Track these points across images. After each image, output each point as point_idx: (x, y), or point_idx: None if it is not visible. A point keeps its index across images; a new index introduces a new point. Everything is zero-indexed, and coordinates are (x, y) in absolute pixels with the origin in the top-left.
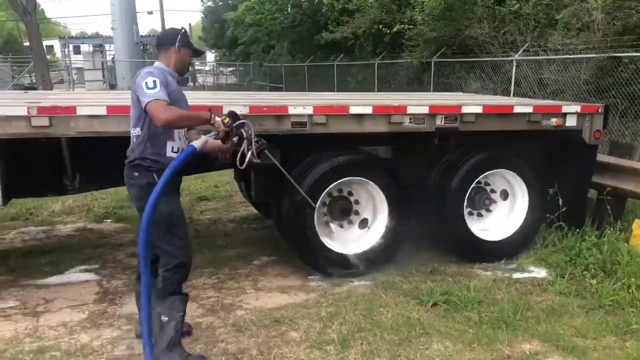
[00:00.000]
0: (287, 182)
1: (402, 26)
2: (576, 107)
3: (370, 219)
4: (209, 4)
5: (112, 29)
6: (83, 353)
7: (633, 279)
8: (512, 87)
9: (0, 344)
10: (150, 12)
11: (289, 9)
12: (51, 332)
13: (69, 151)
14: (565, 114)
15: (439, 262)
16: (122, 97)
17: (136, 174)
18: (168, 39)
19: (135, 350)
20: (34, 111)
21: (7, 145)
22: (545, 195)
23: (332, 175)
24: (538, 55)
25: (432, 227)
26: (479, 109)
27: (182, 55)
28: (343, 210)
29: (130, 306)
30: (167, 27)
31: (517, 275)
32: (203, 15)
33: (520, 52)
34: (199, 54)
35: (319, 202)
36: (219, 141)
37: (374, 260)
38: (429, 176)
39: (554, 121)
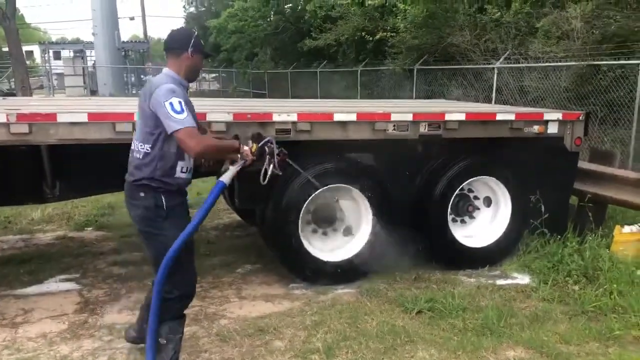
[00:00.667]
0: (271, 189)
1: (385, 34)
2: (558, 115)
3: (354, 226)
4: (191, 10)
5: (93, 34)
6: None
7: (615, 285)
8: (494, 95)
9: None
10: (132, 18)
11: (272, 16)
12: (30, 344)
13: (49, 158)
14: (547, 122)
15: (423, 269)
16: (103, 104)
17: (142, 194)
18: (180, 44)
19: None
20: (13, 118)
21: None
22: (527, 202)
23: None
24: (519, 62)
25: (417, 233)
26: (462, 117)
27: (194, 61)
28: (328, 217)
29: (111, 316)
30: (148, 33)
31: (500, 282)
32: (185, 22)
33: (501, 59)
34: (211, 57)
35: (303, 209)
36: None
37: (359, 268)
38: (413, 183)
39: (536, 128)
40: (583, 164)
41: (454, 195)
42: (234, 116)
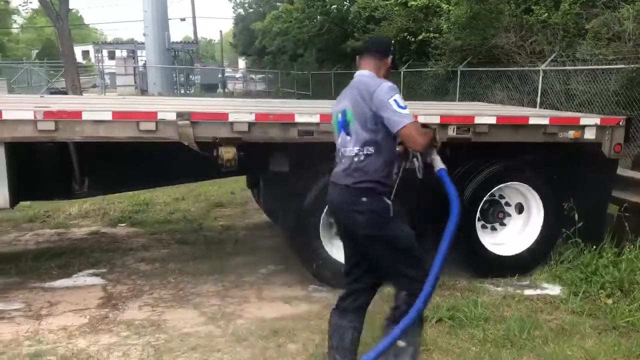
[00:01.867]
0: (292, 191)
1: (428, 35)
2: (595, 120)
3: None
4: (240, 11)
5: (144, 35)
6: (79, 358)
7: None
8: (539, 98)
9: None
10: (183, 19)
11: (318, 17)
12: (51, 336)
13: (77, 155)
14: (583, 127)
15: (449, 276)
16: (131, 103)
17: (364, 199)
18: (384, 49)
19: (130, 357)
20: (40, 115)
21: (15, 149)
22: (561, 209)
23: None
24: (566, 65)
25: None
26: (492, 120)
27: (390, 68)
28: None
29: (131, 312)
30: (199, 34)
31: (528, 292)
32: (234, 23)
33: (547, 62)
34: (397, 68)
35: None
36: None
37: None
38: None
39: (571, 134)
40: (625, 172)
41: (483, 201)
42: (256, 116)
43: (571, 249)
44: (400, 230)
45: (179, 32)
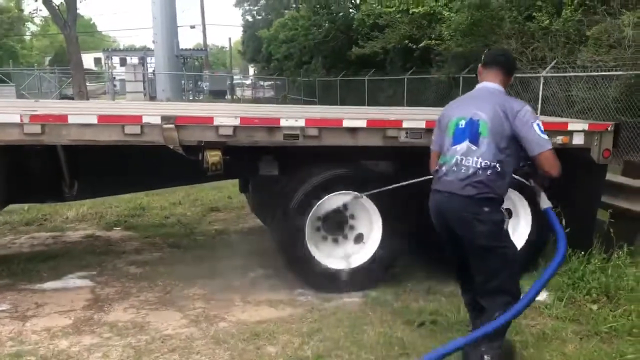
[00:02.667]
0: (280, 194)
1: (430, 41)
2: (583, 125)
3: (365, 233)
4: (248, 18)
5: (154, 42)
6: (58, 359)
7: (634, 306)
8: (540, 104)
9: None
10: (192, 27)
11: (325, 24)
12: (33, 337)
13: (66, 159)
14: (571, 132)
15: (437, 281)
16: (121, 107)
17: (486, 209)
18: (513, 65)
19: (110, 358)
20: (26, 119)
21: (5, 152)
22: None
23: (324, 188)
24: (567, 71)
25: (429, 246)
26: None
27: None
28: (338, 224)
29: (116, 314)
30: (211, 42)
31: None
32: (243, 30)
33: (548, 68)
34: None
35: (309, 215)
36: None
37: (367, 277)
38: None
39: (559, 139)
40: (616, 177)
41: None
42: (241, 120)
43: None
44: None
45: (190, 40)
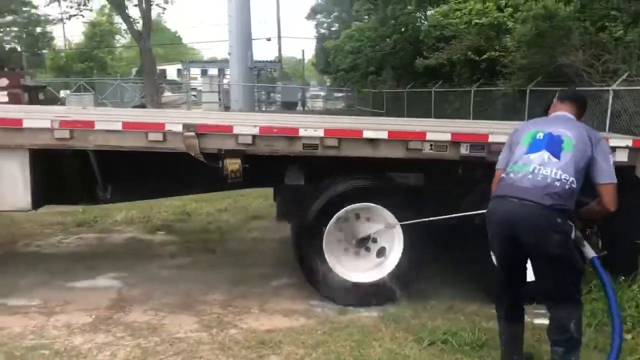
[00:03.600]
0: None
1: (494, 53)
2: (627, 142)
3: (388, 247)
4: (322, 31)
5: (229, 54)
6: (69, 355)
7: None
8: (608, 120)
9: (5, 338)
10: (268, 39)
11: (393, 36)
12: (53, 332)
13: (98, 163)
14: (613, 148)
15: (461, 299)
16: (144, 115)
17: (559, 220)
18: (585, 107)
19: (117, 358)
20: (56, 124)
21: (38, 155)
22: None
23: (344, 199)
24: None
25: (456, 262)
26: (504, 138)
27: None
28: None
29: (135, 315)
30: (286, 53)
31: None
32: (316, 42)
33: (619, 81)
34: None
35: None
36: None
37: (387, 291)
38: (455, 207)
39: None
40: None
41: None
42: (260, 130)
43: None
44: (576, 253)
45: (267, 52)
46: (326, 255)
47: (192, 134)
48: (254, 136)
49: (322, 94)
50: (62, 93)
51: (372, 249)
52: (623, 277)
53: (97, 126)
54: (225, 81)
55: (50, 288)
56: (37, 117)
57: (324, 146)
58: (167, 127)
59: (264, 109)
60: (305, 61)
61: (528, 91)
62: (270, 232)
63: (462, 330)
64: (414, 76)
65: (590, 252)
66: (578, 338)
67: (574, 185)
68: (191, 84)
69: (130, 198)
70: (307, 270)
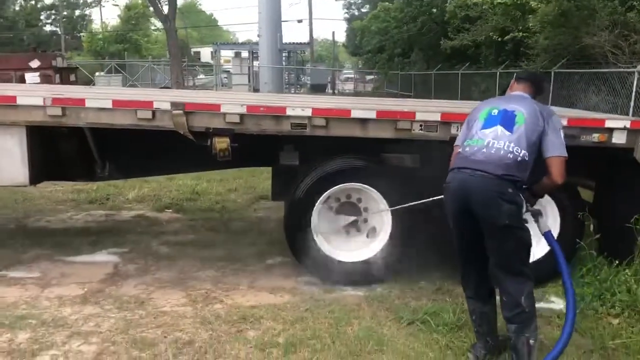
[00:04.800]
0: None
1: (517, 34)
2: (625, 122)
3: (378, 227)
4: (353, 12)
5: (258, 36)
6: (55, 324)
7: None
8: (632, 102)
9: None
10: (299, 21)
11: (419, 18)
12: (45, 303)
13: (94, 140)
14: (610, 130)
15: (452, 281)
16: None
17: (510, 190)
18: (542, 89)
19: (101, 328)
20: (48, 102)
21: (35, 131)
22: (580, 219)
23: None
24: None
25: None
26: None
27: None
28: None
29: (126, 289)
30: (319, 35)
31: None
32: (347, 23)
33: None
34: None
35: (317, 204)
36: None
37: (375, 271)
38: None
39: (595, 137)
40: None
41: None
42: (247, 108)
43: (594, 263)
44: (527, 227)
45: (298, 34)
46: (314, 233)
47: (180, 112)
48: (241, 115)
49: (353, 76)
50: (97, 75)
51: (362, 229)
52: (617, 262)
53: (88, 104)
54: (255, 63)
55: (51, 262)
56: (30, 95)
57: (312, 125)
58: (156, 105)
59: (293, 91)
60: (339, 43)
61: (553, 73)
62: (275, 212)
63: (444, 311)
64: (442, 58)
65: (544, 227)
66: (531, 312)
67: (527, 159)
68: (223, 67)
69: (128, 175)
70: (294, 248)
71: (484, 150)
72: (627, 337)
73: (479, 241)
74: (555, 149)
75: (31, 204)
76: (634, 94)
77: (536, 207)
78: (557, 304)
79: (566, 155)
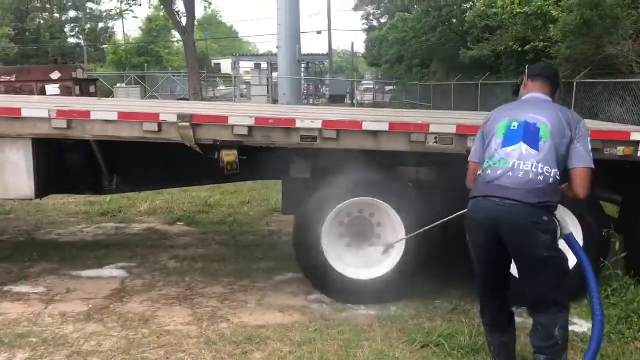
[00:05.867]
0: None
1: (538, 44)
2: None
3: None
4: (372, 22)
5: (277, 47)
6: (55, 343)
7: None
8: None
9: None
10: (319, 32)
11: (440, 27)
12: (47, 320)
13: (101, 152)
14: (636, 143)
15: (469, 301)
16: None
17: (545, 218)
18: (559, 83)
19: (102, 347)
20: (53, 114)
21: (42, 144)
22: (602, 236)
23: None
24: None
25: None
26: None
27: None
28: (361, 232)
29: (132, 305)
30: (338, 46)
31: None
32: (366, 35)
33: None
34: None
35: (328, 219)
36: None
37: (387, 290)
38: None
39: (620, 150)
40: None
41: None
42: (255, 120)
43: (618, 283)
44: (563, 252)
45: (318, 45)
46: (324, 250)
47: (187, 124)
48: (249, 127)
49: (372, 86)
50: (116, 86)
51: (375, 244)
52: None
53: (94, 116)
54: (274, 75)
55: (57, 276)
56: (36, 107)
57: (322, 138)
58: (162, 118)
59: (311, 102)
60: (359, 54)
61: (575, 83)
62: (287, 225)
63: (459, 334)
64: (462, 68)
65: (566, 229)
66: (563, 345)
67: (559, 177)
68: (243, 78)
69: (136, 188)
70: (303, 264)
71: (510, 174)
72: None
73: (505, 271)
74: (581, 160)
75: (43, 215)
76: None
77: (568, 230)
78: (581, 326)
79: (592, 166)
